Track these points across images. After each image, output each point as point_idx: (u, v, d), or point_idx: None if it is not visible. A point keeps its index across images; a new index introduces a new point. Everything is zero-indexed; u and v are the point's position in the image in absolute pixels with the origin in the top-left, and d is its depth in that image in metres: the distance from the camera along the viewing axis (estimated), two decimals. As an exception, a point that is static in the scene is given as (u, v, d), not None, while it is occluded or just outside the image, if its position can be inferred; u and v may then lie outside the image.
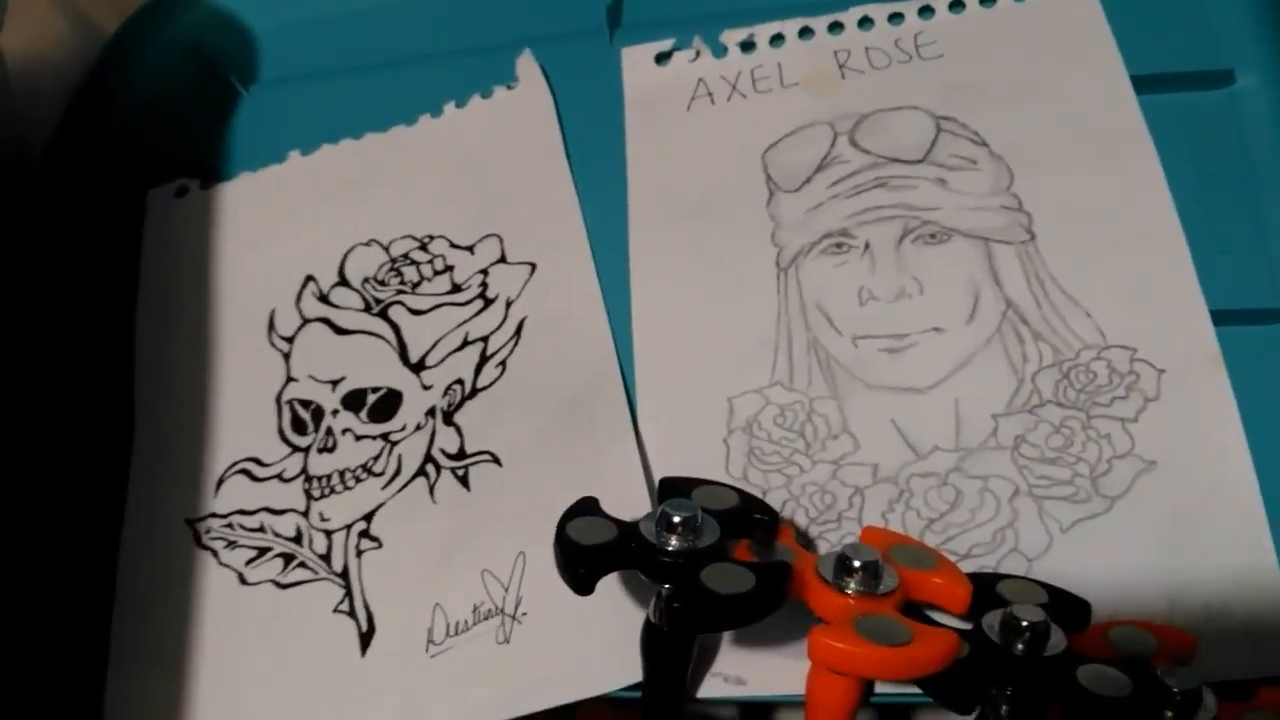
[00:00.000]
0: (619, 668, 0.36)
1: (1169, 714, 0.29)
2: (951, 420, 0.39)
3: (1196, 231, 0.40)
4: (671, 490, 0.35)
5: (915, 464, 0.39)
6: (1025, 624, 0.31)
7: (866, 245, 0.42)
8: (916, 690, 0.35)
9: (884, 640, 0.30)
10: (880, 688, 0.35)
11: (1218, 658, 0.34)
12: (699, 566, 0.31)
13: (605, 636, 0.36)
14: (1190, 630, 0.34)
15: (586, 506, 0.34)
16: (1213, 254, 0.40)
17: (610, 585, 0.37)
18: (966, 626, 0.33)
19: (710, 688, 0.36)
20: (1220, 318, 0.39)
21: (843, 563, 0.32)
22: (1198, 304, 0.39)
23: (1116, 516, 0.37)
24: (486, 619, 0.38)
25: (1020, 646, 0.31)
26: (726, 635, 0.36)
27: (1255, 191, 0.41)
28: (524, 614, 0.38)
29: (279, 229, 0.49)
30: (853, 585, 0.32)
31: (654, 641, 0.33)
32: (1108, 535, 0.37)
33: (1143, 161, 0.42)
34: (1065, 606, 0.34)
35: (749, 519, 0.34)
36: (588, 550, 0.31)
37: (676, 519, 0.31)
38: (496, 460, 0.41)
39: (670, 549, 0.31)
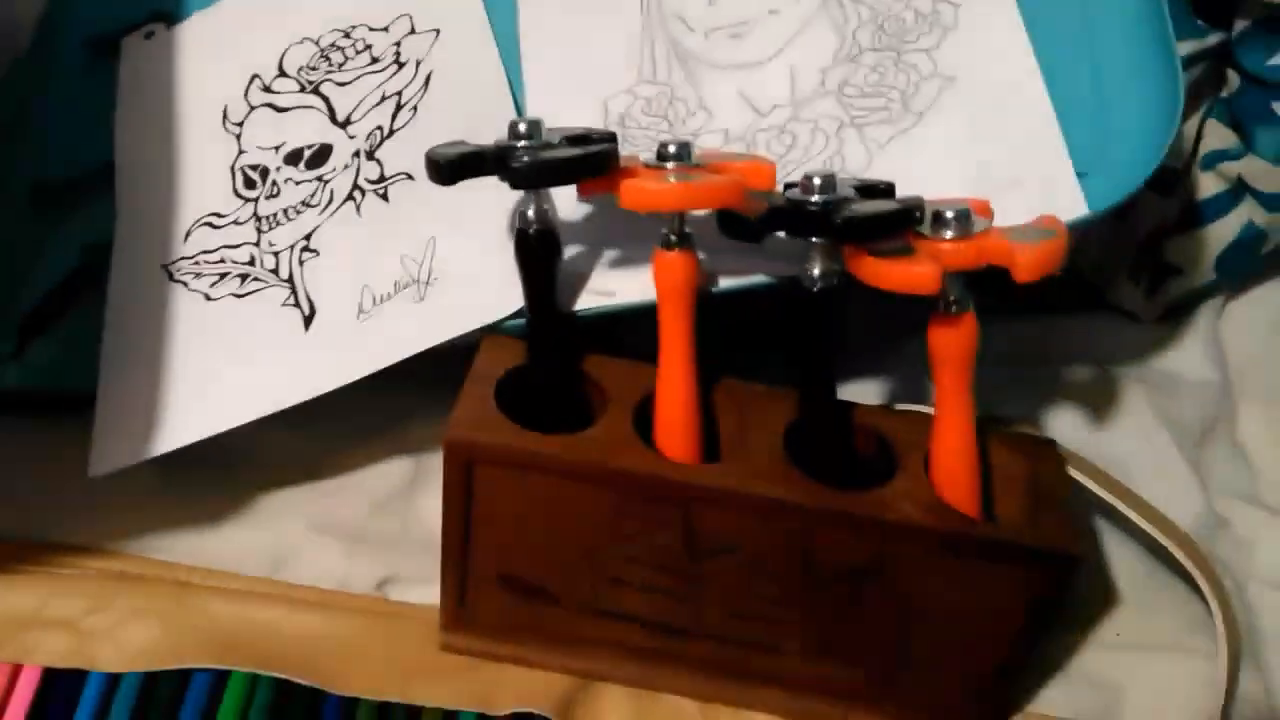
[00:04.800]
0: (507, 301, 0.43)
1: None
2: (787, 82, 0.45)
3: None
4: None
5: (759, 121, 0.45)
6: (816, 179, 0.37)
7: (709, -42, 0.48)
8: (756, 279, 0.41)
9: (682, 180, 0.36)
10: (724, 283, 0.41)
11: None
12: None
13: (498, 286, 0.43)
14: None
15: (454, 143, 0.40)
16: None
17: (495, 253, 0.44)
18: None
19: (585, 301, 0.42)
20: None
21: (661, 150, 0.38)
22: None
23: (925, 125, 0.42)
24: (405, 288, 0.45)
25: (815, 197, 0.37)
26: (600, 259, 0.43)
27: None
28: (435, 279, 0.45)
29: (228, 46, 0.57)
30: (671, 165, 0.38)
31: (524, 249, 0.40)
32: (919, 143, 0.42)
33: None
34: (876, 191, 0.40)
35: (590, 138, 0.40)
36: (450, 157, 0.38)
37: (522, 126, 0.38)
38: (410, 176, 0.48)
39: (520, 147, 0.38)
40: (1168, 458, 0.50)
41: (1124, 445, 0.50)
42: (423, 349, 0.43)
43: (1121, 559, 0.48)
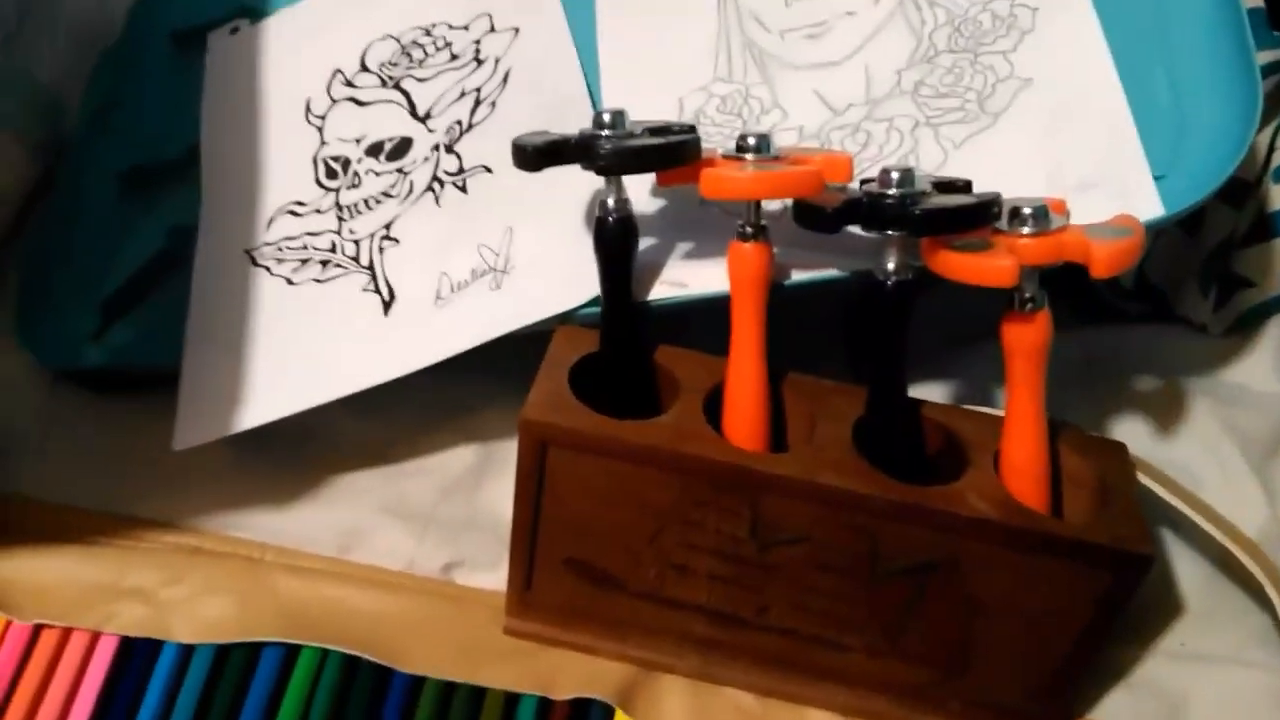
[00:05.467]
0: (581, 291, 0.43)
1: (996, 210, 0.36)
2: (862, 81, 0.46)
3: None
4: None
5: (834, 120, 0.46)
6: (894, 174, 0.37)
7: (789, -41, 0.49)
8: (829, 273, 0.42)
9: (761, 169, 0.36)
10: (797, 276, 0.42)
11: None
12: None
13: (572, 276, 0.44)
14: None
15: (539, 132, 0.41)
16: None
17: (571, 244, 0.44)
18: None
19: (658, 292, 0.43)
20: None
21: (741, 141, 0.39)
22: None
23: (1001, 127, 0.43)
24: (482, 276, 0.46)
25: (892, 190, 0.37)
26: (672, 251, 0.43)
27: None
28: (512, 268, 0.46)
29: (311, 41, 0.58)
30: (750, 155, 0.38)
31: (603, 236, 0.40)
32: (995, 143, 0.43)
33: None
34: (953, 187, 0.40)
35: (671, 130, 0.41)
36: (537, 144, 0.39)
37: (606, 116, 0.39)
38: (488, 169, 0.49)
39: (604, 135, 0.39)
40: (1234, 470, 0.49)
41: (1190, 456, 0.49)
42: (498, 335, 0.44)
43: (1184, 568, 0.48)
